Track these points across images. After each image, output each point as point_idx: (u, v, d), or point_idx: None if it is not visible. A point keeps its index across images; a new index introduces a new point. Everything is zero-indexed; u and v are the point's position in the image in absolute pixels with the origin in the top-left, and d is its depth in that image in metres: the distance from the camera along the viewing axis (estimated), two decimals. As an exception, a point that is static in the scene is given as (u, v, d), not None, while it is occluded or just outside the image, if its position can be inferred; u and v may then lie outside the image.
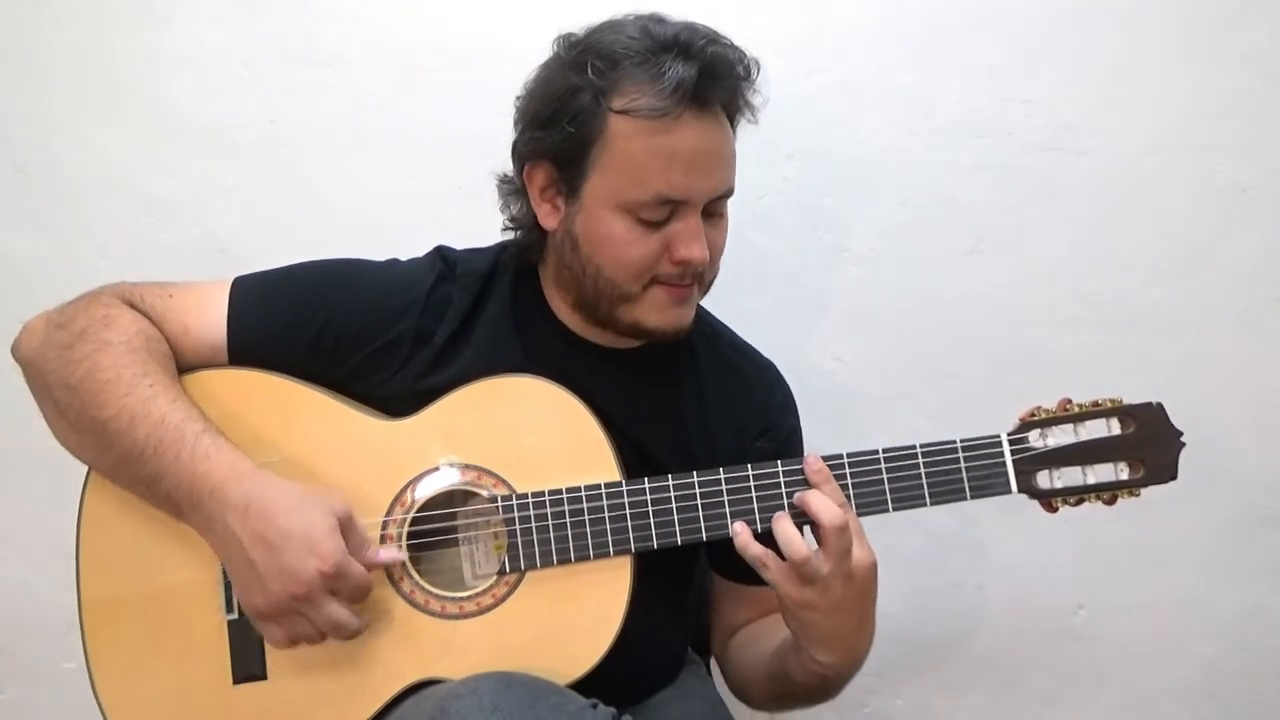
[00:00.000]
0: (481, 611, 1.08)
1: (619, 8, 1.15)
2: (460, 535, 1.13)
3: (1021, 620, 1.67)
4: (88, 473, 1.11)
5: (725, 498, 1.07)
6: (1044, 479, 1.07)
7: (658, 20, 1.11)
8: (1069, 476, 1.08)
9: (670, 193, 1.08)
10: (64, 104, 1.59)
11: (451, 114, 1.58)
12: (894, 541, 1.46)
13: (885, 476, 1.07)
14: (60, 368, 1.06)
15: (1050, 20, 1.56)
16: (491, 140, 1.19)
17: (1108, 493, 1.08)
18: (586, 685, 1.03)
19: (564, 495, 1.08)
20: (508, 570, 1.08)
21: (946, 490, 1.07)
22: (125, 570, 1.09)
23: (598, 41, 1.10)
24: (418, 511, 1.09)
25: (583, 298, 1.16)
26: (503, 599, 1.08)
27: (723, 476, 1.08)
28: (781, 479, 1.07)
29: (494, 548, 1.13)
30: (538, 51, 1.15)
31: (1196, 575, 1.64)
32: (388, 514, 1.09)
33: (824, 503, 1.03)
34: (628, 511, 1.07)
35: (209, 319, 1.13)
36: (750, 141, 1.16)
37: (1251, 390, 1.59)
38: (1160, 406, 1.08)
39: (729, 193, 1.13)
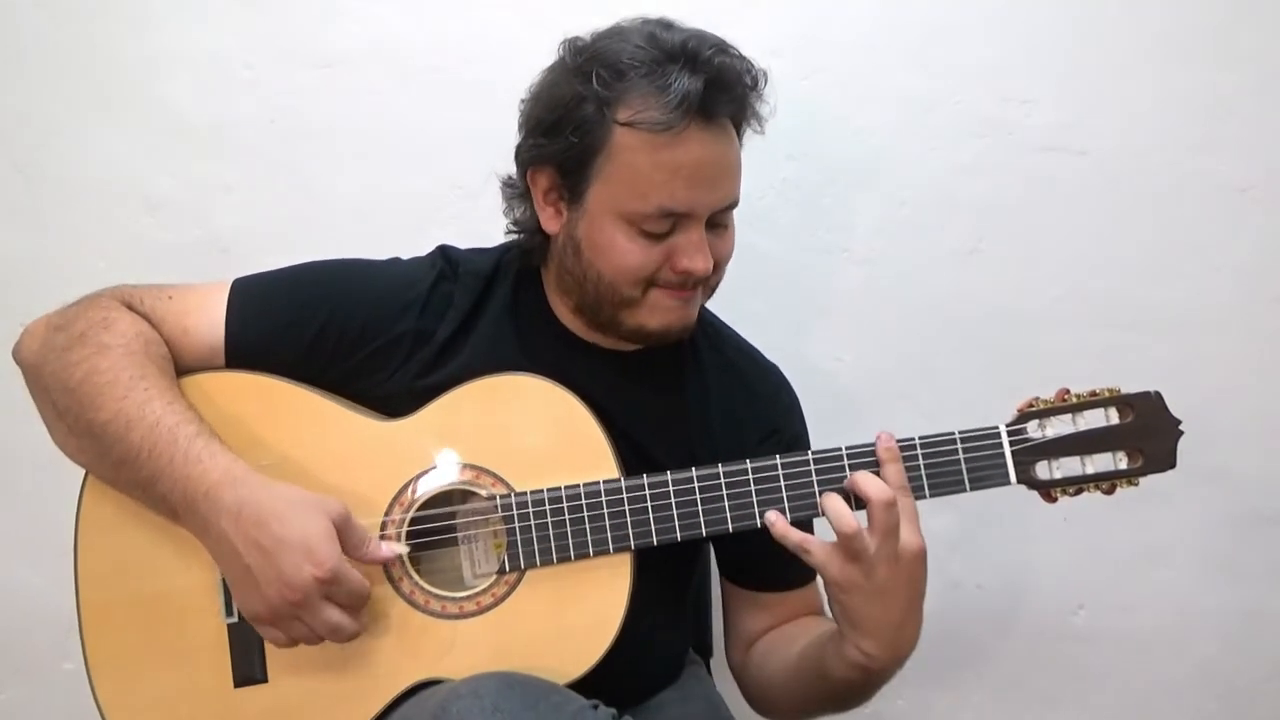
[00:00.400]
0: (481, 611, 1.08)
1: (618, 8, 1.15)
2: (459, 535, 1.13)
3: (1021, 620, 1.67)
4: (85, 476, 1.11)
5: (724, 493, 1.07)
6: (1043, 469, 1.07)
7: (666, 26, 1.10)
8: (1068, 466, 1.07)
9: (673, 206, 1.07)
10: (64, 104, 1.59)
11: (451, 114, 1.58)
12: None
13: (884, 469, 1.06)
14: (59, 370, 1.06)
15: (1050, 20, 1.56)
16: (492, 140, 1.18)
17: (1107, 482, 1.07)
18: (588, 685, 1.03)
19: (563, 493, 1.07)
20: (507, 569, 1.08)
21: (946, 482, 1.07)
22: (124, 574, 1.09)
23: (604, 50, 1.08)
24: (416, 511, 1.09)
25: (584, 302, 1.15)
26: (502, 598, 1.08)
27: (721, 471, 1.07)
28: (781, 474, 1.07)
29: (493, 547, 1.13)
30: (538, 51, 1.15)
31: (1196, 575, 1.64)
32: (386, 514, 1.09)
33: (873, 480, 1.02)
34: (627, 509, 1.07)
35: (207, 320, 1.13)
36: (750, 141, 1.15)
37: (1251, 390, 1.60)
38: (1158, 395, 1.08)
39: (734, 204, 1.13)
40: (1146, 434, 1.07)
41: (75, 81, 1.59)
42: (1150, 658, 1.66)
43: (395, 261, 1.23)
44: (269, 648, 1.07)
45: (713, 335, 1.27)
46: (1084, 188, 1.58)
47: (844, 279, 1.61)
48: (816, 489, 1.06)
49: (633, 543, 1.07)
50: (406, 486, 1.09)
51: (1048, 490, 1.07)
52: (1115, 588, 1.65)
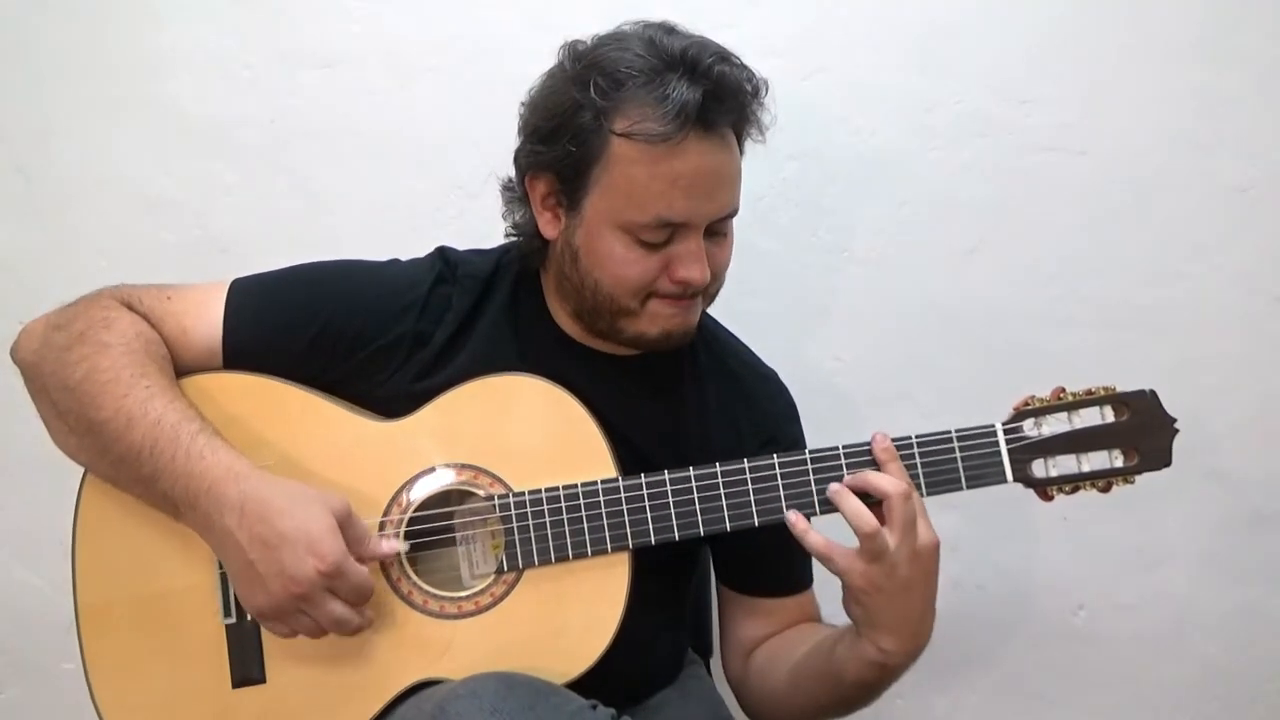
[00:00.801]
0: (480, 611, 1.08)
1: (618, 8, 1.14)
2: (458, 535, 1.12)
3: (1021, 620, 1.67)
4: (83, 477, 1.11)
5: (722, 492, 1.07)
6: (1039, 468, 1.07)
7: (668, 31, 1.09)
8: (1064, 465, 1.08)
9: (671, 216, 1.06)
10: (64, 104, 1.59)
11: (451, 114, 1.58)
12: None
13: (881, 468, 1.06)
14: (58, 369, 1.06)
15: (1050, 20, 1.55)
16: (491, 141, 1.18)
17: (1103, 480, 1.07)
18: (587, 685, 1.03)
19: (560, 493, 1.08)
20: (505, 569, 1.08)
21: (942, 481, 1.07)
22: (122, 575, 1.09)
23: (603, 57, 1.07)
24: (414, 511, 1.09)
25: (583, 308, 1.15)
26: (501, 598, 1.08)
27: (718, 470, 1.07)
28: (778, 473, 1.07)
29: (491, 547, 1.13)
30: (539, 52, 1.15)
31: (1196, 575, 1.64)
32: (385, 514, 1.09)
33: (884, 475, 1.02)
34: (624, 508, 1.07)
35: (206, 320, 1.13)
36: (750, 143, 1.15)
37: (1251, 390, 1.59)
38: (1153, 394, 1.08)
39: (733, 213, 1.12)
40: (1142, 432, 1.07)
41: (76, 82, 1.60)
42: (1150, 658, 1.66)
43: (394, 263, 1.22)
44: (267, 648, 1.07)
45: (711, 341, 1.27)
46: (1084, 188, 1.57)
47: (844, 279, 1.61)
48: (814, 488, 1.06)
49: (630, 542, 1.07)
50: (405, 487, 1.10)
51: (1044, 488, 1.08)
52: (1115, 588, 1.65)
